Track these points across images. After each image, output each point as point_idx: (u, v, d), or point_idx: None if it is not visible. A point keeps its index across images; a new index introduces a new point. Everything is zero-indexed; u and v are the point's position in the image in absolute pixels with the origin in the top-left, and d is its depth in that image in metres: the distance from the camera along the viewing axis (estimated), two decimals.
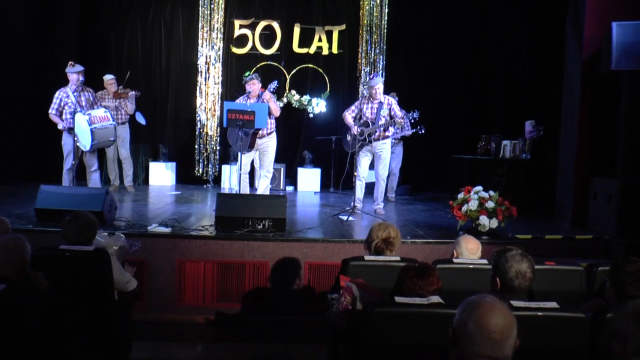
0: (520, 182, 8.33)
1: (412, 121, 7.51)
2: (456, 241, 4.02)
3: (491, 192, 6.06)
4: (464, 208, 6.01)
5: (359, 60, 10.59)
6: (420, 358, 2.68)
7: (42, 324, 2.75)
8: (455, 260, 3.83)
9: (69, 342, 3.19)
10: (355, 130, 7.33)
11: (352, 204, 7.26)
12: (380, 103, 7.37)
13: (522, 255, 2.85)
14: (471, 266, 3.72)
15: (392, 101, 7.52)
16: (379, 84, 7.44)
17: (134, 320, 4.68)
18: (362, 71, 10.35)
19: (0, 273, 2.93)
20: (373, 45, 10.55)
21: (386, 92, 9.96)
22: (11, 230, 3.89)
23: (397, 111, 7.39)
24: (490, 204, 5.93)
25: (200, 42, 10.60)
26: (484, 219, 5.89)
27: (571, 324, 2.72)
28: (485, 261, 3.70)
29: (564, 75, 7.93)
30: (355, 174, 7.29)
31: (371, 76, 7.72)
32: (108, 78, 8.92)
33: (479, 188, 6.10)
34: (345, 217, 6.89)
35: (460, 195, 6.15)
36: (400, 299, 2.80)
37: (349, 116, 7.57)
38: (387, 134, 7.49)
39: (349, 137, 7.63)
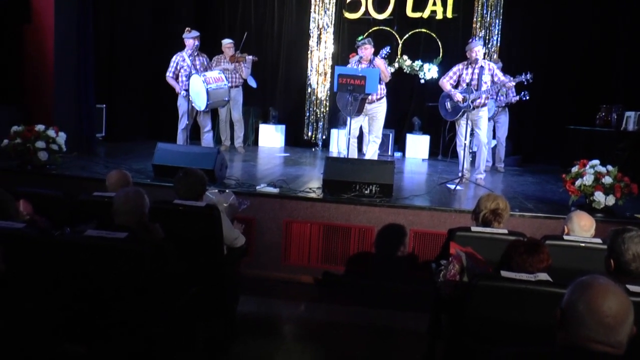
0: None
1: (526, 83, 7.19)
2: (568, 217, 3.86)
3: (609, 167, 5.72)
4: (578, 182, 5.73)
5: (474, 25, 10.22)
6: (524, 336, 2.62)
7: (158, 272, 2.92)
8: (565, 237, 3.67)
9: (181, 291, 3.38)
10: (457, 97, 7.16)
11: (460, 172, 7.12)
12: (482, 68, 7.15)
13: None
14: (583, 244, 3.54)
15: (493, 66, 7.30)
16: (478, 46, 7.20)
17: (241, 275, 4.88)
18: (477, 36, 9.94)
19: (122, 222, 3.14)
20: (489, 9, 10.13)
21: (501, 57, 9.68)
22: (132, 183, 4.12)
23: (501, 77, 7.20)
24: (607, 180, 5.61)
25: (312, 7, 10.63)
26: (599, 195, 5.58)
27: None
28: (599, 240, 3.52)
29: None
30: (465, 142, 7.11)
31: (470, 40, 7.44)
32: (226, 42, 9.12)
33: (596, 162, 5.78)
34: (453, 186, 6.78)
35: (574, 169, 5.86)
36: (507, 273, 2.73)
37: (447, 83, 7.38)
38: (486, 101, 7.28)
39: (448, 105, 7.43)
